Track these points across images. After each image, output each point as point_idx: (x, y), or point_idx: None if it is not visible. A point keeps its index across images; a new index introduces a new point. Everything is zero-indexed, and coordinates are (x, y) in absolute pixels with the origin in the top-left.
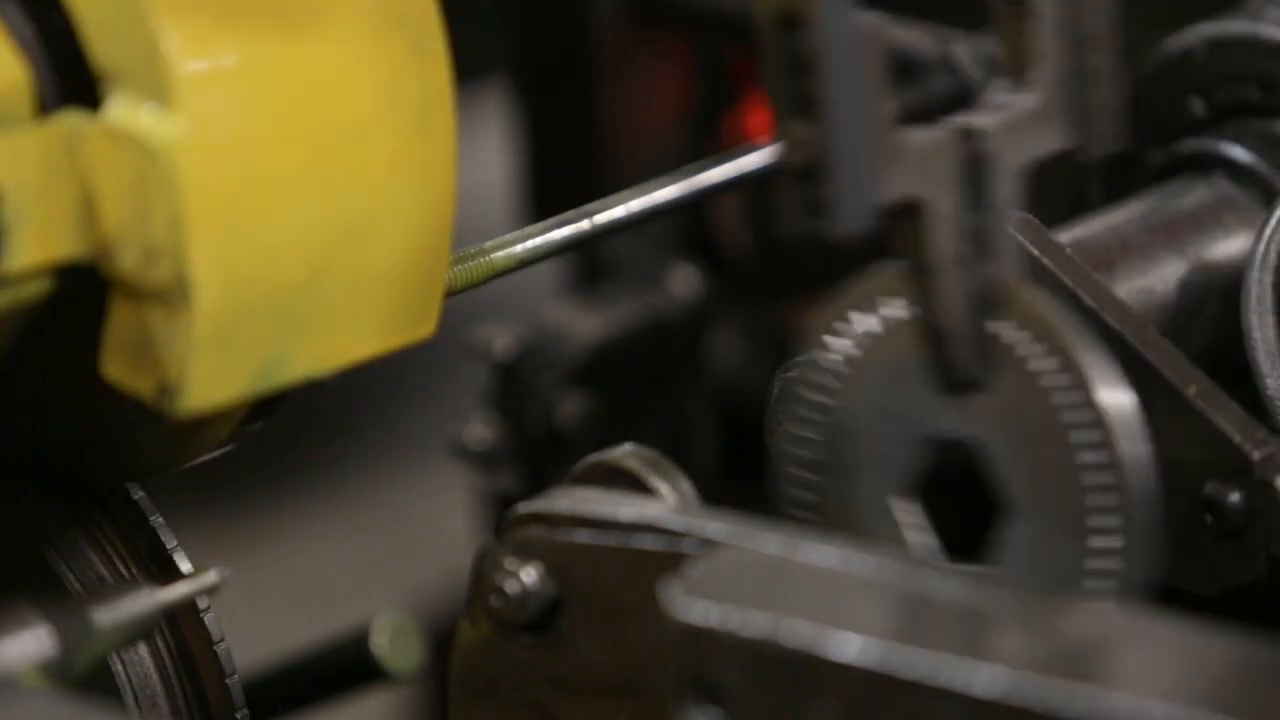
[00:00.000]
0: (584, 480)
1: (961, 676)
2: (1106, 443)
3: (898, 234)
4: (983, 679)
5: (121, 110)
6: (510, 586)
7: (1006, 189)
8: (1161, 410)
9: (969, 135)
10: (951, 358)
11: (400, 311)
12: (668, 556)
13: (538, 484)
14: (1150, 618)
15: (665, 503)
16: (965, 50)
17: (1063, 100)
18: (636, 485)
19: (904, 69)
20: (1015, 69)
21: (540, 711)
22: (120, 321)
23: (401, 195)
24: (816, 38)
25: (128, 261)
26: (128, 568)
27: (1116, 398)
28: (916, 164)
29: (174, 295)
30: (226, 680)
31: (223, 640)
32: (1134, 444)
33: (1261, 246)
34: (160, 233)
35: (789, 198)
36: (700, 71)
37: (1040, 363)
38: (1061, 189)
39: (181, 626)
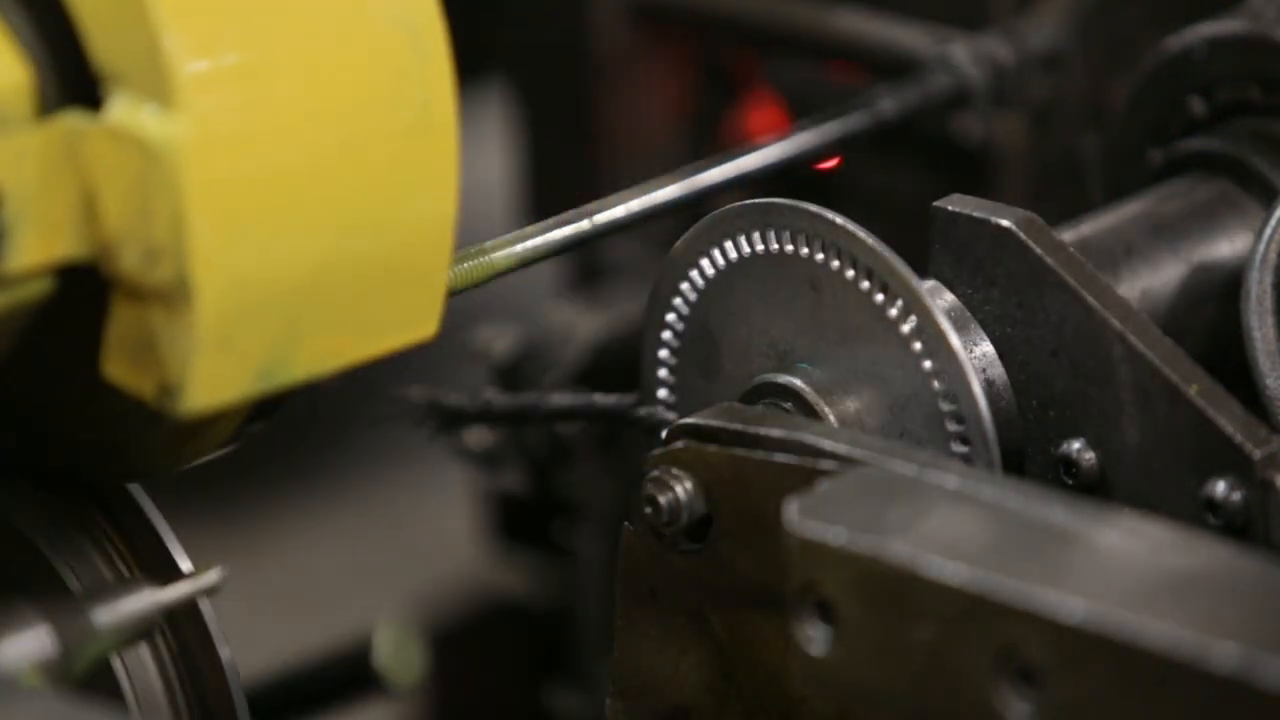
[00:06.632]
0: (753, 398)
1: (1050, 602)
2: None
3: None
4: (1069, 606)
5: (123, 110)
6: (663, 498)
7: None
8: (1163, 409)
9: None
10: None
11: (401, 312)
12: (807, 473)
13: (538, 484)
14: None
15: (822, 424)
16: (964, 50)
17: None
18: (803, 406)
19: (904, 69)
20: None
21: (697, 620)
22: (121, 322)
23: (402, 195)
24: None
25: (129, 262)
26: (128, 568)
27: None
28: None
29: (175, 295)
30: (227, 681)
31: (223, 641)
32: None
33: (1261, 246)
34: (161, 233)
35: None
36: (700, 72)
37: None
38: (1063, 188)
39: (181, 627)
